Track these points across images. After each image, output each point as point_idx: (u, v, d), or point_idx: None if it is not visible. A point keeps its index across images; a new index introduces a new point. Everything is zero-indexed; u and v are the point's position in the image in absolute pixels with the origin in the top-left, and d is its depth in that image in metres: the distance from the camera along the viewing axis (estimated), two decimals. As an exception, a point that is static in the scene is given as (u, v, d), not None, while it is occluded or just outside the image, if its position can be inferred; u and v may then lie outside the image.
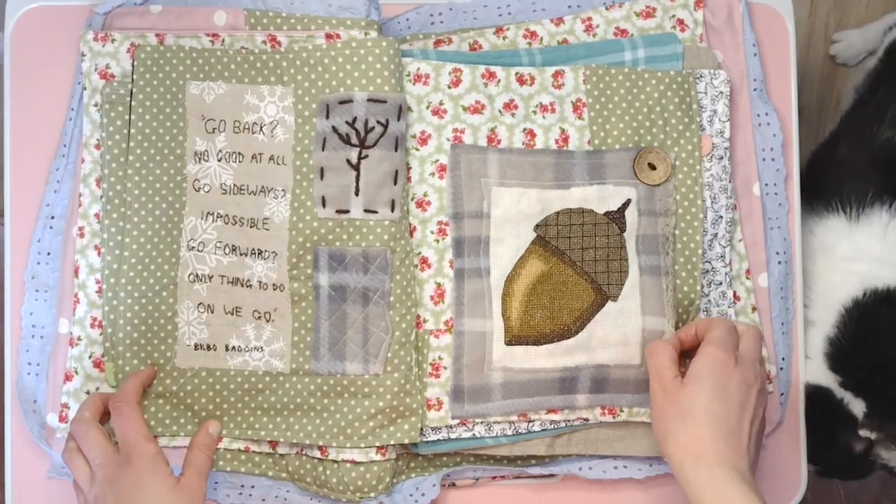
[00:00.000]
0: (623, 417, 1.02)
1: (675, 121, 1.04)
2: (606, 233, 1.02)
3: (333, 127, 1.00)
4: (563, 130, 1.04)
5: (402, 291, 1.00)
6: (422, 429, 1.00)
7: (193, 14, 1.03)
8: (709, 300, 1.04)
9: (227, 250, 1.01)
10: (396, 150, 1.00)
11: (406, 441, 0.99)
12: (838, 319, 1.12)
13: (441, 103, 1.03)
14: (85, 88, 1.02)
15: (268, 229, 1.01)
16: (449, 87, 1.03)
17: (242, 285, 1.01)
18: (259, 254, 1.01)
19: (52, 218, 1.02)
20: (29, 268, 1.02)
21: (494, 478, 1.05)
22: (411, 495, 1.01)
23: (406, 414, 0.99)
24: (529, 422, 1.01)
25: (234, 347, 1.01)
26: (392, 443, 0.99)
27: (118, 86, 1.01)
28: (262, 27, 1.03)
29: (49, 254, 1.02)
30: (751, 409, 0.91)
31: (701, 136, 1.05)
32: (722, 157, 1.05)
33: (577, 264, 1.02)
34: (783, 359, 1.07)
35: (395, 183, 1.00)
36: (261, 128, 1.02)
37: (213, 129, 1.01)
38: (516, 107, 1.04)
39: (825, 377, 1.13)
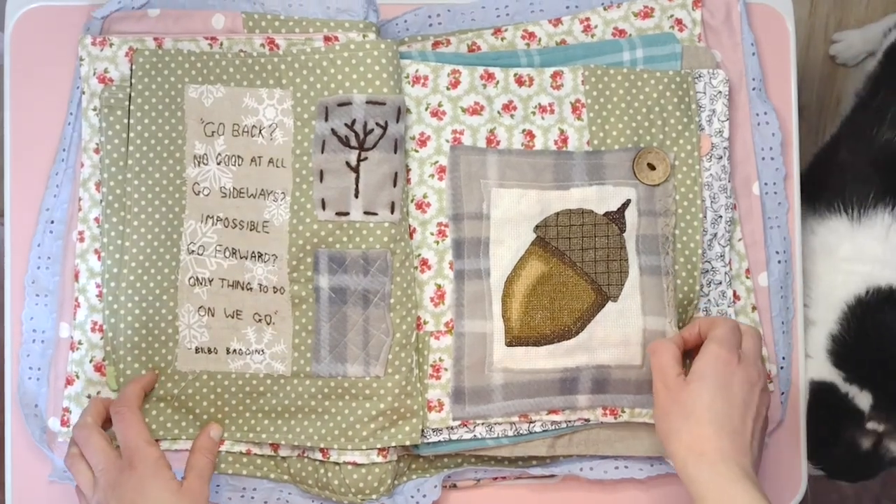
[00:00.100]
0: (625, 418, 1.01)
1: (674, 121, 1.04)
2: (606, 233, 1.02)
3: (332, 129, 1.00)
4: (562, 131, 1.04)
5: (403, 293, 1.00)
6: (423, 430, 1.00)
7: (191, 17, 1.03)
8: (708, 300, 1.04)
9: (227, 253, 1.01)
10: (396, 152, 1.00)
11: (407, 442, 0.99)
12: (841, 317, 1.12)
13: (440, 105, 1.03)
14: (83, 93, 1.02)
15: (268, 232, 1.01)
16: (448, 89, 1.03)
17: (243, 288, 1.01)
18: (259, 257, 1.01)
19: (52, 222, 1.02)
20: (29, 272, 1.02)
21: (496, 479, 1.05)
22: (412, 497, 1.01)
23: (407, 415, 0.99)
24: (530, 423, 1.01)
25: (234, 350, 1.01)
26: (393, 444, 0.99)
27: (117, 90, 1.01)
28: (260, 30, 1.03)
29: (49, 258, 1.02)
30: (754, 407, 0.91)
31: (700, 135, 1.05)
32: (721, 157, 1.05)
33: (577, 265, 1.02)
34: (783, 358, 1.06)
35: (395, 185, 1.00)
36: (260, 131, 1.02)
37: (212, 132, 1.01)
38: (515, 108, 1.04)
39: (829, 374, 1.13)
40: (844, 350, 1.11)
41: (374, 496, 1.00)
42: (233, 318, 1.01)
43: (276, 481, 1.02)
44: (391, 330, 1.00)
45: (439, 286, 1.02)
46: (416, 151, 1.03)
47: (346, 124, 1.00)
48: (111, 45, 1.02)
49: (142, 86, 1.01)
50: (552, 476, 1.05)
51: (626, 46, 1.05)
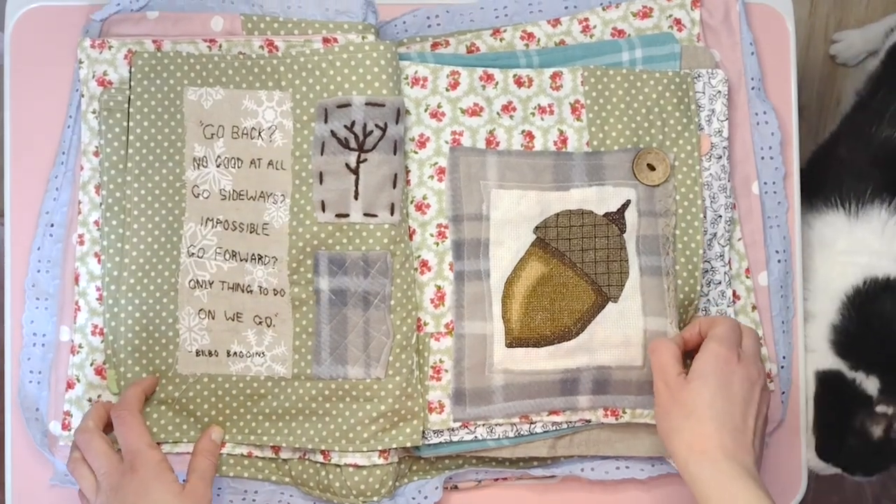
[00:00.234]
0: (626, 419, 1.01)
1: (673, 121, 1.04)
2: (606, 234, 1.02)
3: (332, 131, 1.00)
4: (561, 132, 1.04)
5: (403, 295, 1.00)
6: (424, 432, 1.00)
7: (190, 20, 1.03)
8: (708, 299, 1.04)
9: (227, 256, 1.01)
10: (395, 154, 1.00)
11: (408, 444, 0.99)
12: (841, 307, 1.12)
13: (439, 106, 1.03)
14: (83, 95, 1.02)
15: (268, 234, 1.01)
16: (447, 90, 1.03)
17: (243, 291, 1.01)
18: (259, 259, 1.01)
19: (52, 226, 1.02)
20: (29, 276, 1.02)
21: (497, 479, 1.05)
22: (414, 498, 1.01)
23: (408, 417, 0.99)
24: (531, 423, 1.01)
25: (235, 353, 1.01)
26: (394, 446, 0.99)
27: (116, 93, 1.01)
28: (259, 32, 1.03)
29: (49, 262, 1.02)
30: (755, 405, 0.91)
31: (700, 135, 1.05)
32: (721, 157, 1.05)
33: (577, 266, 1.01)
34: (784, 357, 1.06)
35: (395, 186, 1.00)
36: (259, 133, 1.02)
37: (212, 134, 1.01)
38: (515, 109, 1.04)
39: (833, 364, 1.12)
40: (848, 339, 1.11)
41: (375, 498, 1.00)
42: (233, 320, 1.01)
43: (277, 483, 1.02)
44: (392, 331, 1.00)
45: (439, 287, 1.02)
46: (416, 153, 1.03)
47: (345, 126, 1.00)
48: (110, 47, 1.02)
49: (141, 88, 1.01)
50: (553, 477, 1.05)
51: (625, 47, 1.05)
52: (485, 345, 1.00)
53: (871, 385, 1.12)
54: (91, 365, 1.01)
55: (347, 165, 1.00)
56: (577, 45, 1.06)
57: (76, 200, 1.02)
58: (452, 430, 1.01)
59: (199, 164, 1.01)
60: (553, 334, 1.00)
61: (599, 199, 1.02)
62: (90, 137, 1.02)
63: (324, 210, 1.00)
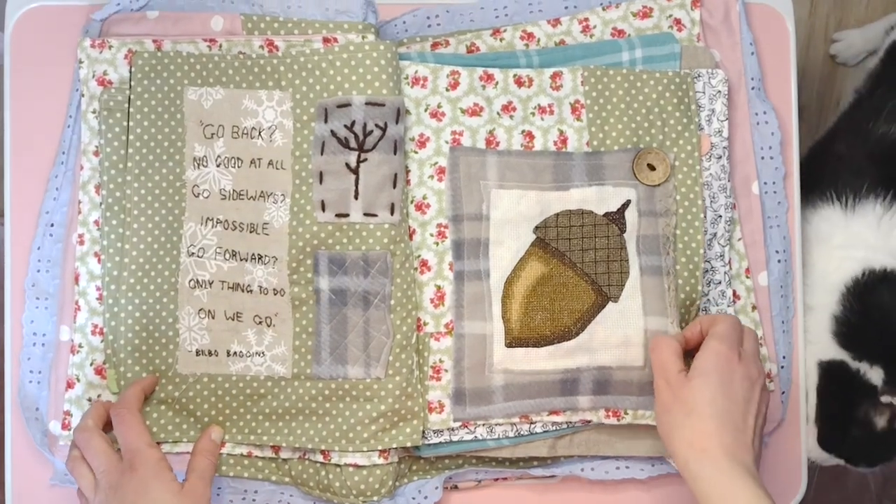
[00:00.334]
0: (627, 420, 1.01)
1: (673, 121, 1.04)
2: (606, 234, 1.02)
3: (332, 131, 1.00)
4: (561, 132, 1.04)
5: (403, 294, 1.00)
6: (424, 431, 1.00)
7: (190, 20, 1.03)
8: (708, 299, 1.04)
9: (227, 255, 1.01)
10: (395, 154, 1.00)
11: (408, 444, 0.99)
12: (841, 298, 1.12)
13: (439, 106, 1.03)
14: (83, 95, 1.02)
15: (268, 234, 1.01)
16: (447, 90, 1.03)
17: (243, 290, 1.01)
18: (259, 259, 1.01)
19: (52, 225, 1.02)
20: (29, 276, 1.02)
21: (497, 479, 1.05)
22: (414, 498, 1.01)
23: (408, 417, 0.99)
24: (531, 423, 1.01)
25: (235, 353, 1.01)
26: (394, 446, 0.99)
27: (116, 92, 1.01)
28: (259, 32, 1.03)
29: (49, 261, 1.02)
30: (755, 404, 0.91)
31: (700, 135, 1.05)
32: (721, 157, 1.05)
33: (577, 265, 1.01)
34: (784, 357, 1.06)
35: (395, 186, 1.00)
36: (259, 133, 1.02)
37: (212, 134, 1.01)
38: (515, 109, 1.04)
39: (836, 355, 1.12)
40: (850, 330, 1.11)
41: (375, 498, 1.00)
42: (233, 320, 1.01)
43: (277, 483, 1.02)
44: (392, 331, 1.00)
45: (439, 287, 1.02)
46: (416, 153, 1.03)
47: (345, 126, 1.00)
48: (110, 47, 1.02)
49: (141, 88, 1.01)
50: (553, 476, 1.05)
51: (625, 47, 1.05)
52: (485, 345, 1.00)
53: (875, 375, 1.12)
54: (91, 364, 1.01)
55: (347, 165, 1.00)
56: (577, 45, 1.06)
57: (76, 200, 1.02)
58: (452, 429, 1.01)
59: (199, 164, 1.01)
60: (553, 334, 1.00)
61: (599, 198, 1.02)
62: (90, 137, 1.02)
63: (324, 210, 1.00)
